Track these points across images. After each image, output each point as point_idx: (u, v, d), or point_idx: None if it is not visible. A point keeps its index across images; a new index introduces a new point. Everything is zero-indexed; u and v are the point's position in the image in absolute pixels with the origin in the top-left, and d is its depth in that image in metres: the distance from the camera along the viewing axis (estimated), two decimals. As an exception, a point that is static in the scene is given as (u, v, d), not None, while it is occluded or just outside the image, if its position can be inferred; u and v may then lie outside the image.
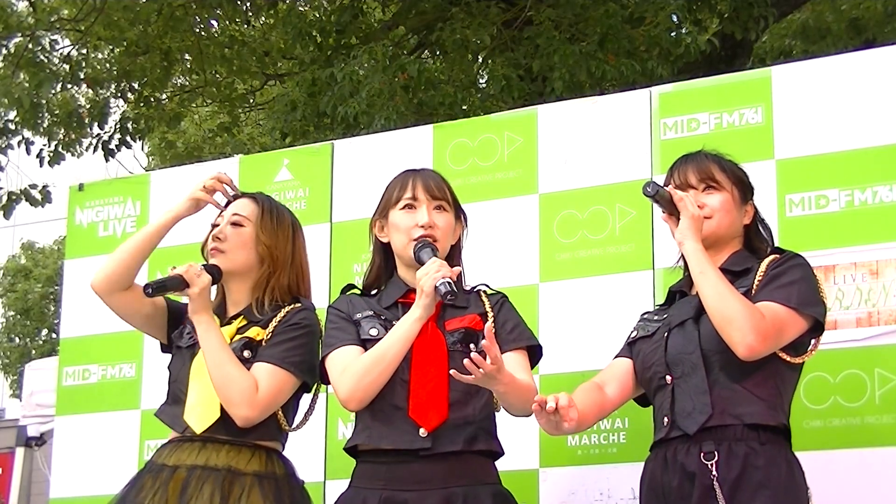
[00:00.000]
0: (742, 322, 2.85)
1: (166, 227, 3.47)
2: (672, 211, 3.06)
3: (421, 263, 3.08)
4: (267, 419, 3.24)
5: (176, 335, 3.44)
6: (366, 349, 3.09)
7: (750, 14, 8.96)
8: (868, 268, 3.49)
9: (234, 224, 3.39)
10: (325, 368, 3.17)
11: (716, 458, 2.86)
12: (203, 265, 3.33)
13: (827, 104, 3.68)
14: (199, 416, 3.25)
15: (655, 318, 3.18)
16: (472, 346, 3.13)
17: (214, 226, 3.44)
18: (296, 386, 3.28)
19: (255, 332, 3.30)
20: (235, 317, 3.36)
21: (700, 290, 2.96)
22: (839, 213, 3.56)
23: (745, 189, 3.15)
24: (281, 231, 3.41)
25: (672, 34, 8.64)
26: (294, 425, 3.38)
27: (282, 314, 3.31)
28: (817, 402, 3.47)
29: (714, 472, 2.85)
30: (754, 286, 2.98)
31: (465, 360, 2.86)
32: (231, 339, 3.30)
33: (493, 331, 3.08)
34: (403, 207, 3.18)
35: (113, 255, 3.46)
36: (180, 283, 3.25)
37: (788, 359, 2.97)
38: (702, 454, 2.89)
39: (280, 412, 3.29)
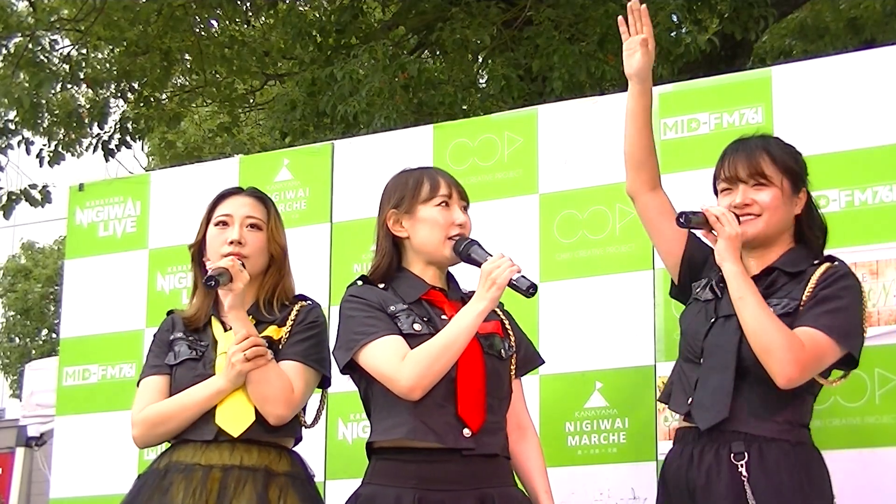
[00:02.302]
0: (782, 353, 2.85)
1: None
2: (710, 230, 3.02)
3: (471, 261, 3.08)
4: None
5: (169, 357, 3.34)
6: (409, 345, 3.03)
7: (750, 14, 8.95)
8: (868, 268, 3.49)
9: (252, 227, 3.34)
10: (358, 357, 3.07)
11: (745, 458, 2.88)
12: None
13: (827, 104, 3.68)
14: (235, 419, 3.20)
15: (711, 287, 3.12)
16: (501, 351, 3.13)
17: (217, 224, 3.34)
18: (317, 382, 3.29)
19: (273, 331, 3.27)
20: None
21: (739, 315, 2.92)
22: (839, 213, 3.55)
23: (796, 179, 3.07)
24: (283, 230, 3.41)
25: (672, 34, 8.64)
26: (310, 422, 3.37)
27: (295, 312, 3.29)
28: (817, 402, 3.45)
29: (745, 473, 2.86)
30: (804, 297, 2.95)
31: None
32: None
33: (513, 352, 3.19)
34: (439, 204, 3.15)
35: (163, 428, 3.25)
36: (229, 279, 3.19)
37: (818, 380, 3.01)
38: (731, 455, 2.90)
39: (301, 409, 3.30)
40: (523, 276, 2.99)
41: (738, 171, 3.04)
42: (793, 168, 3.06)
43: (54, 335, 19.72)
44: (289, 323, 3.28)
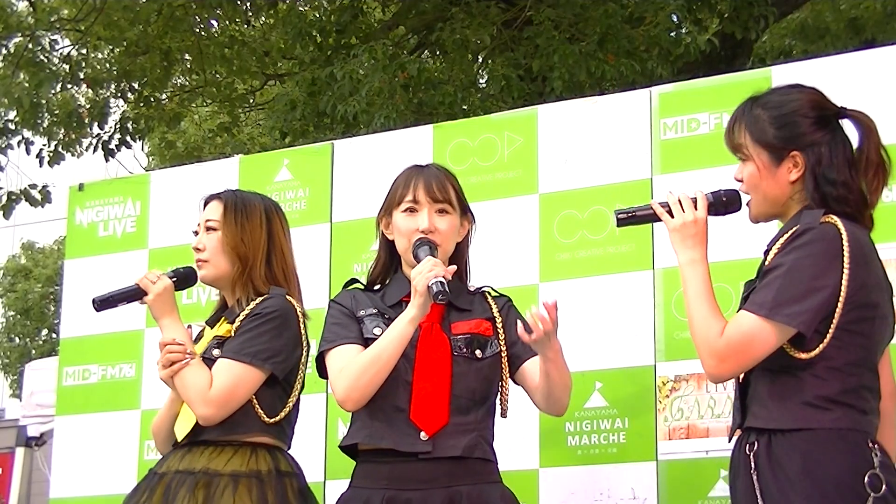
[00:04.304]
0: (699, 348, 2.73)
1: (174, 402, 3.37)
2: (660, 220, 2.90)
3: (419, 262, 3.07)
4: (243, 413, 3.21)
5: None
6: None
7: (750, 14, 8.96)
8: (868, 268, 3.47)
9: (209, 230, 3.38)
10: (325, 364, 3.15)
11: (755, 448, 2.73)
12: (173, 269, 3.39)
13: (827, 104, 3.67)
14: (180, 424, 3.27)
15: None
16: (478, 352, 3.12)
17: (195, 233, 3.43)
18: (258, 376, 3.21)
19: (225, 330, 3.29)
20: (219, 320, 3.36)
21: None
22: (839, 213, 3.54)
23: (774, 150, 2.79)
24: (249, 224, 3.35)
25: (672, 34, 8.64)
26: (279, 416, 3.27)
27: (250, 307, 3.28)
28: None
29: (753, 465, 2.73)
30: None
31: (528, 315, 2.94)
32: (208, 342, 3.32)
33: (512, 340, 3.16)
34: (405, 210, 3.16)
35: (157, 438, 3.41)
36: (136, 293, 3.31)
37: (797, 355, 2.71)
38: (747, 445, 2.77)
39: (256, 404, 3.22)
40: (438, 282, 2.95)
41: (730, 140, 2.88)
42: (767, 139, 2.79)
43: (54, 335, 19.72)
44: (238, 319, 3.27)
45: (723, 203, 2.91)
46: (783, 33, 11.69)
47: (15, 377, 19.60)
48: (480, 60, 9.90)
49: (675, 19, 8.77)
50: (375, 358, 3.02)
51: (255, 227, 3.36)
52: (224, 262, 3.34)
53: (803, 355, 2.72)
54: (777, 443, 2.73)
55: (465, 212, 3.25)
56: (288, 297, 3.33)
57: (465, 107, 8.63)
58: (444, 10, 9.29)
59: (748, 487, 2.74)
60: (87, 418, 4.50)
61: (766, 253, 2.82)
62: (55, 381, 4.64)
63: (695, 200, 2.88)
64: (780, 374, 2.75)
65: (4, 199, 10.17)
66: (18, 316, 21.07)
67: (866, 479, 2.67)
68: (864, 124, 2.86)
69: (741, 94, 3.78)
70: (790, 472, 2.69)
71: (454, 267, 3.09)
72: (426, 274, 2.98)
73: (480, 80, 10.00)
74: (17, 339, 21.18)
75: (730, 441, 2.91)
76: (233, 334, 3.26)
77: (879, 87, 3.62)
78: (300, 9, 10.14)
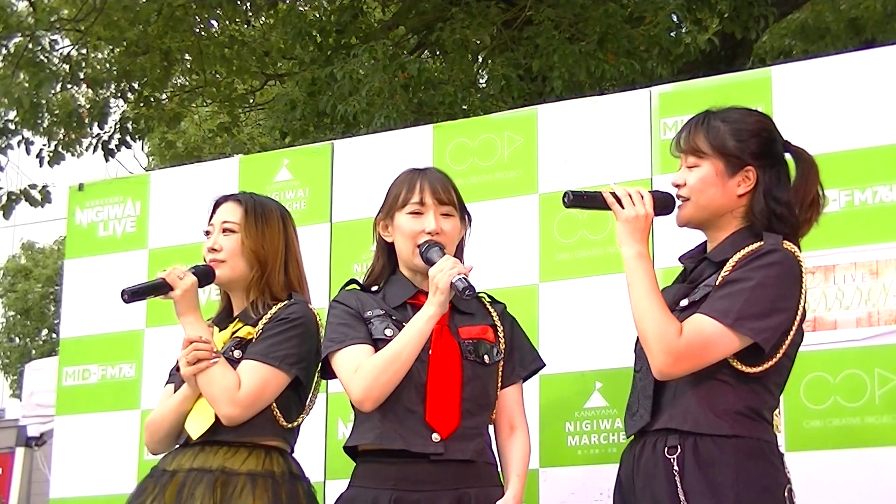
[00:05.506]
0: (653, 343, 2.73)
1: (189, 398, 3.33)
2: (610, 209, 2.93)
3: (430, 263, 3.05)
4: (261, 416, 3.23)
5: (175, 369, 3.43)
6: (378, 349, 3.05)
7: (750, 13, 8.95)
8: (868, 268, 3.49)
9: (226, 231, 3.37)
10: (331, 364, 3.12)
11: (678, 452, 2.74)
12: (193, 266, 3.34)
13: (827, 104, 3.68)
14: (195, 422, 3.26)
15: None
16: (485, 357, 3.12)
17: (206, 233, 3.42)
18: (283, 380, 3.24)
19: (245, 332, 3.29)
20: (232, 321, 3.36)
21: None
22: (839, 213, 3.55)
23: (732, 160, 2.85)
24: (269, 229, 3.38)
25: (672, 34, 8.65)
26: (295, 422, 3.33)
27: (272, 311, 3.29)
28: (817, 402, 3.47)
29: (676, 468, 2.73)
30: (717, 283, 2.78)
31: None
32: (224, 343, 3.31)
33: (504, 359, 3.16)
34: (410, 212, 3.14)
35: (156, 436, 3.37)
36: (162, 287, 3.29)
37: (743, 368, 2.75)
38: (666, 449, 2.76)
39: (275, 407, 3.25)
40: (463, 278, 2.96)
41: (679, 144, 2.93)
42: (729, 150, 2.85)
43: (54, 335, 19.72)
44: (261, 322, 3.28)
45: (662, 203, 2.95)
46: (783, 33, 11.68)
47: (15, 377, 19.61)
48: (480, 60, 9.90)
49: (675, 19, 8.77)
50: (395, 356, 3.00)
51: (273, 233, 3.39)
52: (242, 264, 3.34)
53: (746, 369, 2.76)
54: (705, 447, 2.74)
55: (463, 215, 3.25)
56: (310, 306, 3.36)
57: (465, 107, 8.63)
58: (444, 10, 9.29)
59: (670, 490, 2.73)
60: (87, 418, 4.50)
61: (683, 259, 2.96)
62: (55, 381, 4.64)
63: (641, 196, 2.92)
64: (710, 381, 2.77)
65: (4, 199, 10.17)
66: (18, 316, 21.07)
67: (786, 492, 2.76)
68: (806, 161, 2.94)
69: (741, 94, 3.81)
70: (722, 477, 2.71)
71: (471, 265, 3.08)
72: (448, 271, 2.97)
73: (480, 80, 10.00)
74: (17, 339, 21.19)
75: (628, 437, 2.90)
76: (256, 337, 3.26)
77: (879, 87, 3.62)
78: (300, 9, 10.14)
